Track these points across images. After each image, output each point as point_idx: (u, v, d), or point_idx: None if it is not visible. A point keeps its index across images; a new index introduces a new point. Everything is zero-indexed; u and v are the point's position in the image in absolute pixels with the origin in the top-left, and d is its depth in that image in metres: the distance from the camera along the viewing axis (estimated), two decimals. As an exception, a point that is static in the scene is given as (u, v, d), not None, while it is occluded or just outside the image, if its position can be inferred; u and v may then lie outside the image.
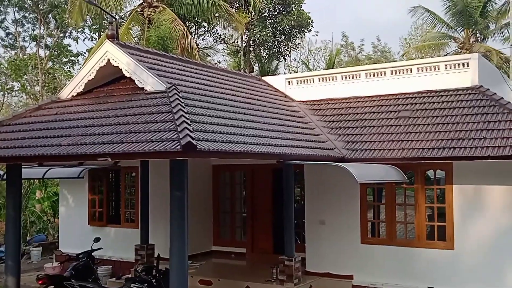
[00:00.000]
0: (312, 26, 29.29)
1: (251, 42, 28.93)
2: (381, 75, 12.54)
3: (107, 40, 9.84)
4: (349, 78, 12.98)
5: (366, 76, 12.73)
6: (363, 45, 41.63)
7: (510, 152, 8.78)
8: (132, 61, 9.42)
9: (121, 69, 9.61)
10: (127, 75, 9.53)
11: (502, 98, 10.72)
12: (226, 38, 30.26)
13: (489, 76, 12.07)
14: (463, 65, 11.61)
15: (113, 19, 10.92)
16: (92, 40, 32.08)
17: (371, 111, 11.78)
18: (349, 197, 10.76)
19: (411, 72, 12.19)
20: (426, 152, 9.61)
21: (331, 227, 11.02)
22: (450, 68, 11.74)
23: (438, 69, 11.86)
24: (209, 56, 31.93)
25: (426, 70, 12.01)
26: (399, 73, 12.33)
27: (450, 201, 9.90)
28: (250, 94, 11.87)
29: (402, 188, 10.49)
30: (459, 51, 28.60)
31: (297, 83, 13.75)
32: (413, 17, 30.90)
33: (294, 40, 29.40)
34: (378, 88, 12.42)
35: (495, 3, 29.65)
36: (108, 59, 9.68)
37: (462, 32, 29.72)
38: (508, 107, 10.14)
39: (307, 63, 37.00)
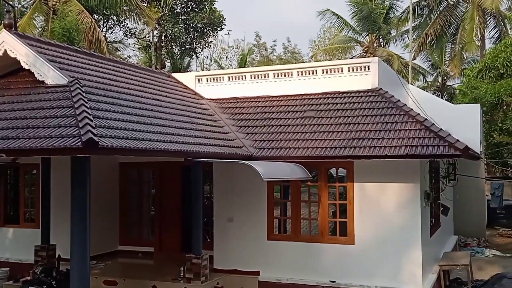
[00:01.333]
0: (224, 25, 29.52)
1: (162, 37, 28.55)
2: (289, 75, 12.87)
3: (4, 29, 9.28)
4: (258, 77, 13.19)
5: (274, 76, 13.01)
6: (275, 45, 42.60)
7: (405, 151, 9.32)
8: (32, 52, 8.96)
9: (19, 61, 9.11)
10: (26, 67, 9.05)
11: (399, 100, 11.39)
12: (136, 33, 29.64)
13: (388, 79, 12.77)
14: (365, 68, 12.18)
15: (10, 8, 10.31)
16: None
17: (278, 111, 12.05)
18: (257, 194, 10.93)
19: (316, 73, 12.61)
20: (329, 151, 9.96)
21: (239, 224, 11.15)
22: (353, 70, 12.29)
23: (342, 71, 12.38)
24: (119, 50, 31.12)
25: (331, 72, 12.49)
26: (306, 74, 12.72)
27: (351, 198, 10.35)
28: (159, 90, 11.71)
29: (307, 185, 10.83)
30: (364, 54, 30.01)
31: (207, 81, 13.76)
32: (322, 20, 32.00)
33: (206, 38, 29.43)
34: (285, 88, 12.73)
35: (397, 11, 31.41)
36: (5, 50, 9.15)
37: (367, 37, 31.19)
38: (404, 109, 10.78)
39: (220, 62, 37.15)
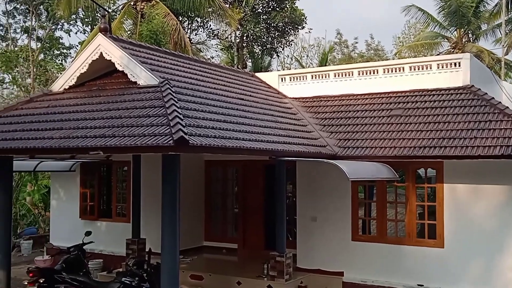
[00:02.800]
0: (305, 23, 29.34)
1: (244, 38, 28.90)
2: (374, 73, 12.59)
3: (99, 33, 9.79)
4: (342, 75, 13.02)
5: (359, 74, 12.78)
6: (356, 43, 41.70)
7: (500, 151, 8.85)
8: (125, 55, 9.38)
9: (113, 63, 9.57)
10: (120, 69, 9.49)
11: (493, 98, 10.81)
12: (219, 34, 30.20)
13: (480, 76, 12.16)
14: (455, 64, 11.68)
15: (106, 12, 10.86)
16: (84, 33, 31.91)
17: (363, 109, 11.84)
18: (341, 194, 10.80)
19: (403, 70, 12.25)
20: (417, 150, 9.65)
21: (323, 224, 11.07)
22: (442, 67, 11.81)
23: (430, 68, 11.93)
24: (202, 51, 31.86)
25: (419, 69, 12.08)
26: (392, 71, 12.40)
27: (440, 199, 9.97)
28: (243, 90, 11.88)
29: (393, 186, 10.55)
30: (452, 50, 28.73)
31: (290, 80, 13.77)
32: (406, 16, 30.98)
33: (287, 37, 29.41)
34: (370, 86, 12.48)
35: (488, 4, 29.80)
36: (101, 53, 9.64)
37: (455, 32, 29.86)
38: (498, 107, 10.23)
39: (300, 60, 37.02)
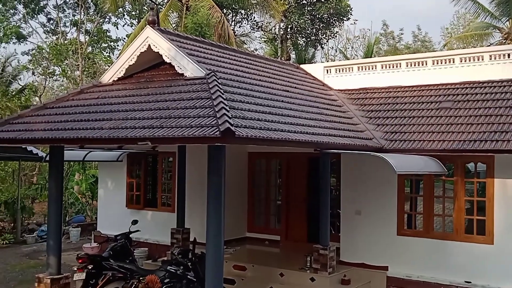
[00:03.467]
0: (351, 14, 28.93)
1: (288, 29, 28.76)
2: (423, 64, 12.32)
3: (148, 25, 9.93)
4: (389, 67, 12.79)
5: (407, 66, 12.53)
6: (402, 34, 40.88)
7: (556, 146, 8.51)
8: (173, 47, 9.49)
9: (161, 55, 9.70)
10: (167, 61, 9.61)
11: (550, 90, 10.39)
12: (263, 26, 30.17)
13: (535, 67, 11.68)
14: (508, 55, 11.29)
15: (154, 5, 10.99)
16: (131, 26, 32.52)
17: (411, 101, 11.60)
18: (386, 188, 10.64)
19: (453, 62, 11.93)
20: (467, 144, 9.39)
21: (367, 218, 10.95)
22: (495, 58, 11.44)
23: (482, 59, 11.57)
24: (245, 44, 31.92)
25: (469, 60, 11.73)
26: (441, 63, 12.09)
27: (490, 194, 9.68)
28: (288, 82, 11.83)
29: (441, 180, 10.32)
30: (503, 41, 27.74)
31: (336, 72, 13.63)
32: (455, 6, 30.07)
33: (332, 28, 29.09)
34: (419, 78, 12.21)
35: (543, -8, 28.54)
36: (149, 45, 9.78)
37: (507, 22, 28.78)
38: (555, 100, 9.82)
39: (345, 52, 36.58)
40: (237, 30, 29.85)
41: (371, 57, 25.80)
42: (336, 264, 10.44)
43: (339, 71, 13.58)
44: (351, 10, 28.61)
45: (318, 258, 10.16)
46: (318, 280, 10.08)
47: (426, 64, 12.26)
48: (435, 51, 32.51)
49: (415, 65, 12.41)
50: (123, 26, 46.90)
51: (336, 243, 10.98)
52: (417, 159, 9.63)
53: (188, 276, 9.43)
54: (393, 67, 12.73)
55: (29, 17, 32.28)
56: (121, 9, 30.67)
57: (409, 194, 10.90)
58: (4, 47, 32.71)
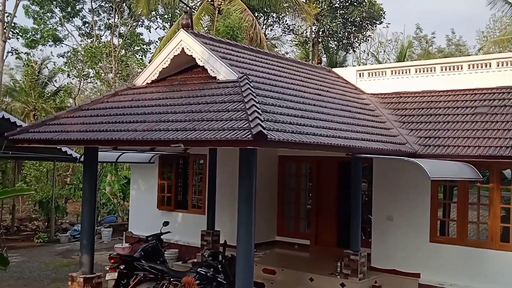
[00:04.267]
0: (384, 18, 28.67)
1: (320, 33, 28.66)
2: (458, 69, 12.10)
3: (181, 29, 10.02)
4: (424, 71, 12.61)
5: (442, 70, 12.33)
6: (434, 38, 40.26)
7: None
8: (206, 50, 9.56)
9: (194, 58, 9.78)
10: (200, 64, 9.68)
11: None
12: (294, 29, 30.15)
13: None
14: (548, 60, 10.99)
15: (188, 9, 11.10)
16: (163, 30, 32.91)
17: (445, 106, 11.40)
18: (419, 193, 10.47)
19: (490, 66, 11.69)
20: (503, 150, 9.18)
21: (399, 224, 10.79)
22: (533, 63, 11.15)
23: (520, 63, 11.29)
24: (276, 47, 31.95)
25: (507, 64, 11.46)
26: (477, 67, 11.86)
27: (528, 202, 9.44)
28: (320, 85, 11.78)
29: (475, 187, 10.10)
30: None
31: (368, 75, 13.51)
32: (492, 9, 29.41)
33: (364, 32, 28.87)
34: (454, 82, 12.00)
35: None
36: (183, 48, 9.88)
37: (545, 25, 28.07)
38: None
39: (377, 56, 36.22)
40: (268, 34, 29.91)
41: (403, 61, 25.46)
42: (367, 270, 10.31)
43: (372, 75, 13.46)
44: (384, 13, 28.35)
45: (348, 263, 10.06)
46: (348, 286, 9.98)
47: (462, 69, 12.04)
48: (469, 55, 31.91)
49: (450, 69, 12.21)
50: (156, 29, 47.49)
51: (367, 249, 10.85)
52: (452, 165, 9.45)
53: (218, 279, 9.47)
54: (427, 71, 12.55)
55: (65, 20, 33.01)
56: (153, 12, 31.10)
57: (442, 201, 10.70)
58: (41, 50, 33.44)
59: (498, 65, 11.58)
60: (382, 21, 29.10)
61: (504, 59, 11.64)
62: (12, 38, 30.01)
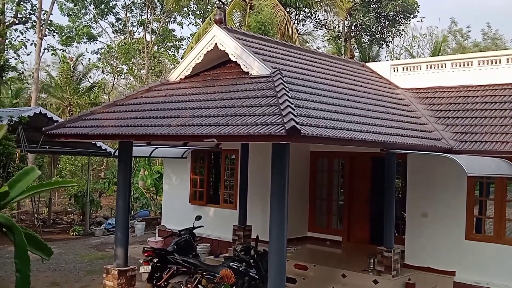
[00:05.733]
0: (418, 12, 28.16)
1: (352, 27, 28.36)
2: (496, 63, 11.81)
3: (215, 24, 10.05)
4: (460, 65, 12.35)
5: (479, 64, 12.05)
6: (469, 31, 39.35)
7: None
8: (239, 45, 9.57)
9: (227, 53, 9.80)
10: (233, 59, 9.70)
11: None
12: (326, 24, 29.90)
13: None
14: None
15: (221, 4, 11.12)
16: (196, 26, 33.08)
17: (483, 101, 11.15)
18: (455, 190, 10.27)
19: (529, 60, 11.36)
20: (543, 146, 8.93)
21: (434, 221, 10.61)
22: None
23: (561, 57, 10.94)
24: (308, 42, 31.75)
25: (547, 58, 11.13)
26: (517, 61, 11.54)
27: None
28: (353, 80, 11.66)
29: (514, 184, 9.86)
30: None
31: (403, 70, 13.31)
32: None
33: (398, 26, 28.43)
34: (491, 77, 11.72)
35: None
36: (216, 43, 9.90)
37: None
38: None
39: (411, 50, 35.64)
40: (300, 29, 29.75)
41: (438, 55, 25.00)
42: (400, 267, 10.19)
43: (407, 70, 13.25)
44: (418, 7, 27.85)
45: (382, 260, 9.96)
46: (382, 283, 9.87)
47: (500, 63, 11.74)
48: (507, 49, 31.08)
49: (487, 64, 11.92)
50: (188, 25, 47.79)
51: (400, 246, 10.70)
52: (489, 161, 9.24)
53: (250, 273, 9.51)
54: (464, 65, 12.29)
55: (99, 17, 33.52)
56: (185, 8, 31.28)
57: (478, 197, 10.48)
58: (76, 47, 34.07)
59: (538, 59, 11.26)
60: (416, 15, 28.60)
61: (544, 52, 11.31)
62: (48, 35, 30.65)
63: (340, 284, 10.35)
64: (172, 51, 33.35)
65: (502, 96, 11.06)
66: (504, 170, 9.23)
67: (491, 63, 11.87)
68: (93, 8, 33.07)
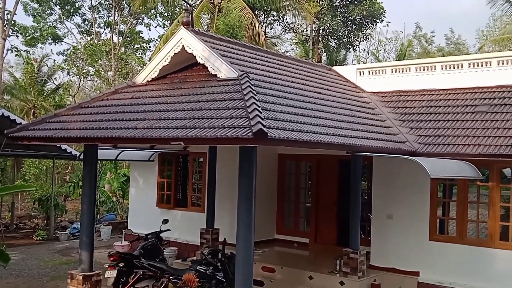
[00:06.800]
0: (384, 16, 28.65)
1: (320, 31, 28.64)
2: (458, 67, 12.10)
3: (182, 27, 10.00)
4: (424, 70, 12.61)
5: (442, 68, 12.33)
6: (433, 36, 40.25)
7: None
8: (206, 48, 9.54)
9: (194, 56, 9.75)
10: (201, 62, 9.66)
11: None
12: (294, 27, 30.12)
13: None
14: (548, 59, 10.98)
15: (188, 6, 11.08)
16: (163, 28, 32.88)
17: (445, 105, 11.41)
18: (419, 192, 10.47)
19: (490, 65, 11.69)
20: (503, 149, 9.19)
21: (399, 222, 10.79)
22: (534, 61, 11.14)
23: (521, 62, 11.29)
24: (276, 45, 31.92)
25: (507, 63, 11.46)
26: (478, 66, 11.86)
27: (528, 201, 9.44)
28: (320, 83, 11.77)
29: (475, 185, 10.10)
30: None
31: (369, 74, 13.50)
32: (492, 8, 29.41)
33: (365, 31, 28.85)
34: (454, 81, 12.01)
35: None
36: (183, 46, 9.85)
37: (545, 25, 28.07)
38: None
39: (377, 54, 36.22)
40: (268, 32, 29.89)
41: (403, 59, 25.47)
42: (366, 268, 10.33)
43: (372, 73, 13.45)
44: (384, 12, 28.33)
45: (348, 261, 10.07)
46: (348, 284, 9.98)
47: (462, 67, 12.04)
48: (469, 54, 31.88)
49: (450, 68, 12.21)
50: (156, 27, 47.46)
51: (366, 247, 10.85)
52: (452, 164, 9.46)
53: (218, 277, 9.47)
54: (427, 69, 12.55)
55: (64, 18, 32.95)
56: (153, 10, 31.05)
57: (442, 199, 10.71)
58: (41, 47, 33.39)
59: (498, 64, 11.58)
60: (383, 20, 29.10)
61: (504, 57, 11.62)
62: (12, 35, 29.98)
63: (307, 286, 10.43)
64: (139, 53, 33.07)
65: (464, 100, 11.34)
66: (466, 172, 9.46)
67: (454, 68, 12.17)
68: (59, 9, 32.51)
